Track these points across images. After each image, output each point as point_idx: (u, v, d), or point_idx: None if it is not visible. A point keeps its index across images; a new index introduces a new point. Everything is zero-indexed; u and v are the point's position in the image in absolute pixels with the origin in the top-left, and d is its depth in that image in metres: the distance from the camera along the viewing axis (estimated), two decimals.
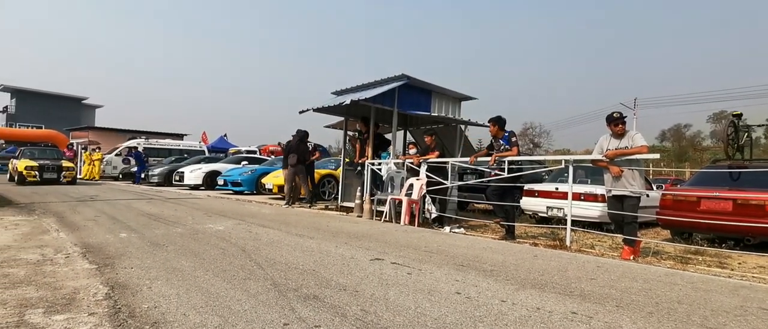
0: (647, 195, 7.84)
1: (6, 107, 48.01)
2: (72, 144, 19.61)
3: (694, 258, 4.97)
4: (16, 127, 39.50)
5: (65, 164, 14.80)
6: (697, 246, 5.52)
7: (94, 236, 4.75)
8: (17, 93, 47.34)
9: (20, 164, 13.83)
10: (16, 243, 4.18)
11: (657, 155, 5.00)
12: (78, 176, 18.30)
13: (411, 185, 7.05)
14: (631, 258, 4.63)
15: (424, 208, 7.02)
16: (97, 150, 19.60)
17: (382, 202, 7.52)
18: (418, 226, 6.62)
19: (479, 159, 6.55)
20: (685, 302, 2.79)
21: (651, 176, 18.72)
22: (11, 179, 15.13)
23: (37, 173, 13.79)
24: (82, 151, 20.18)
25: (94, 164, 18.98)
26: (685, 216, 5.84)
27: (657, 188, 9.63)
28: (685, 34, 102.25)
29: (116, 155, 20.57)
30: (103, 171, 19.47)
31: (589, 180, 8.06)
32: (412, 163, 7.43)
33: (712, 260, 4.91)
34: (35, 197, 9.54)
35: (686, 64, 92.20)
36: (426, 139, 7.56)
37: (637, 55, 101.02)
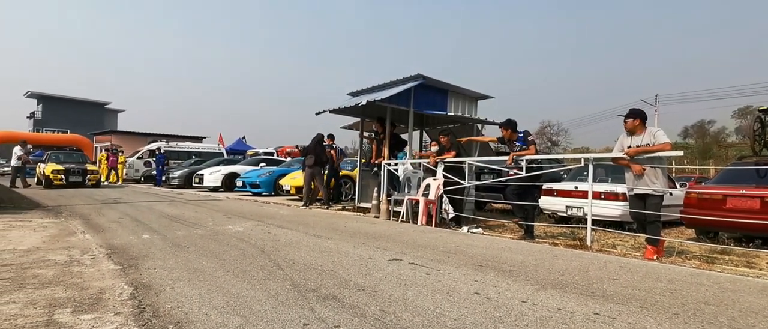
0: (671, 193, 7.69)
1: (33, 112, 49.51)
2: (114, 149, 20.02)
3: (721, 258, 4.84)
4: (42, 132, 40.69)
5: (90, 167, 15.20)
6: (723, 246, 5.37)
7: (118, 237, 4.86)
8: (43, 99, 48.80)
9: (47, 168, 14.25)
10: (45, 245, 4.30)
11: (680, 153, 4.89)
12: (108, 180, 18.77)
13: (428, 185, 7.03)
14: (655, 257, 4.53)
15: (441, 208, 6.99)
16: (120, 153, 20.07)
17: (398, 202, 7.51)
18: (435, 226, 6.60)
19: (496, 158, 6.49)
20: (712, 303, 2.72)
21: (674, 174, 18.29)
22: (38, 182, 15.60)
23: (63, 176, 14.19)
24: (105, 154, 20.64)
25: (105, 167, 19.44)
26: (710, 215, 5.69)
27: (680, 186, 9.41)
28: (709, 27, 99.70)
29: (138, 158, 21.02)
30: (126, 174, 19.93)
31: (610, 179, 7.91)
32: (428, 163, 7.42)
33: (739, 259, 4.78)
34: (61, 199, 9.81)
35: (710, 58, 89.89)
36: (441, 139, 7.54)
37: (658, 51, 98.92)
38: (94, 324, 2.16)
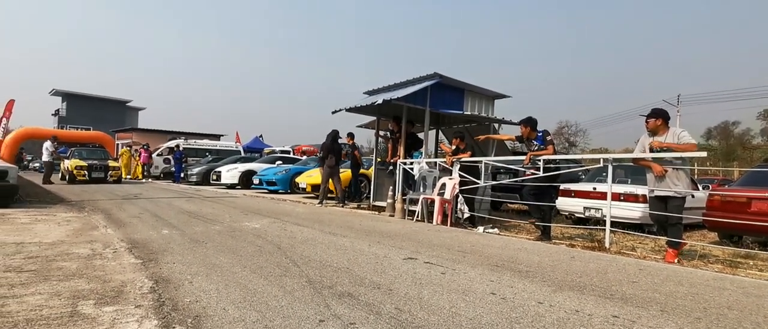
0: (693, 196, 7.50)
1: (57, 109, 50.85)
2: (147, 145, 20.48)
3: (745, 262, 4.71)
4: (66, 128, 41.75)
5: (111, 163, 15.54)
6: (747, 250, 5.23)
7: (138, 232, 4.96)
8: (67, 97, 50.07)
9: (71, 164, 14.61)
10: (69, 238, 4.42)
11: (704, 154, 4.76)
12: (144, 177, 19.18)
13: (443, 185, 7.01)
14: (676, 261, 4.44)
15: (456, 208, 6.95)
16: (142, 150, 20.48)
17: (414, 201, 7.50)
18: (450, 226, 6.57)
19: (512, 158, 6.44)
20: (736, 308, 2.65)
21: (696, 176, 17.87)
22: (62, 177, 16.00)
23: (86, 172, 14.54)
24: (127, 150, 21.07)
25: (138, 164, 19.86)
26: (734, 218, 5.54)
27: (703, 188, 9.19)
28: (732, 25, 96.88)
29: (157, 155, 21.41)
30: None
31: (630, 180, 7.77)
32: (445, 162, 7.39)
33: (764, 264, 4.64)
34: (84, 195, 10.06)
35: (734, 57, 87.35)
36: (454, 141, 7.49)
37: (680, 49, 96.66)
38: (116, 317, 2.21)
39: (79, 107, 49.64)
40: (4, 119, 23.82)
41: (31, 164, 31.20)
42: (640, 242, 5.82)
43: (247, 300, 2.51)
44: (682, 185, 4.64)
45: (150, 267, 3.30)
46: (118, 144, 28.66)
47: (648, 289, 3.02)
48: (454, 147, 7.51)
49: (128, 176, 19.37)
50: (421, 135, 9.28)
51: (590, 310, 2.49)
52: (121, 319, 2.18)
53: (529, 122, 6.15)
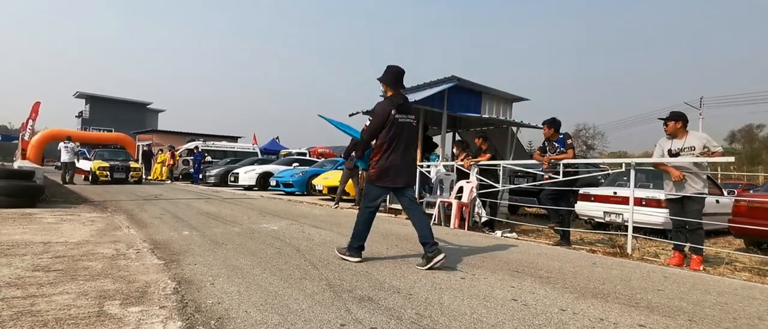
0: (717, 201, 7.30)
1: (81, 111, 52.12)
2: (172, 146, 20.86)
3: None
4: (89, 130, 42.74)
5: (132, 164, 15.85)
6: None
7: (160, 233, 5.05)
8: (90, 99, 51.33)
9: (94, 165, 14.94)
10: (93, 238, 4.51)
11: (732, 158, 4.65)
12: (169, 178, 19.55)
13: (461, 188, 6.96)
14: (701, 268, 4.33)
15: (473, 211, 6.90)
16: (163, 151, 20.86)
17: (430, 205, 7.47)
18: (467, 230, 6.53)
19: (531, 161, 6.37)
20: (767, 318, 2.57)
21: (720, 181, 17.41)
22: (86, 178, 16.37)
23: (108, 173, 14.85)
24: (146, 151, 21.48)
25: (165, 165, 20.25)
26: (762, 224, 5.38)
27: (728, 193, 8.95)
28: (756, 25, 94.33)
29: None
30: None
31: (651, 184, 7.61)
32: (462, 165, 7.34)
33: None
34: (107, 195, 10.27)
35: (759, 58, 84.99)
36: (476, 141, 7.44)
37: (702, 50, 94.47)
38: (142, 317, 2.25)
39: (102, 109, 50.82)
40: (31, 121, 24.44)
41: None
42: (662, 249, 5.69)
43: (269, 303, 2.52)
44: (699, 187, 4.56)
45: (172, 268, 3.35)
46: (138, 145, 29.14)
47: (674, 297, 2.95)
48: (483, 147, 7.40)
49: (148, 177, 19.70)
50: (436, 138, 9.26)
51: (615, 319, 2.44)
52: (147, 320, 2.21)
53: (553, 123, 6.07)
